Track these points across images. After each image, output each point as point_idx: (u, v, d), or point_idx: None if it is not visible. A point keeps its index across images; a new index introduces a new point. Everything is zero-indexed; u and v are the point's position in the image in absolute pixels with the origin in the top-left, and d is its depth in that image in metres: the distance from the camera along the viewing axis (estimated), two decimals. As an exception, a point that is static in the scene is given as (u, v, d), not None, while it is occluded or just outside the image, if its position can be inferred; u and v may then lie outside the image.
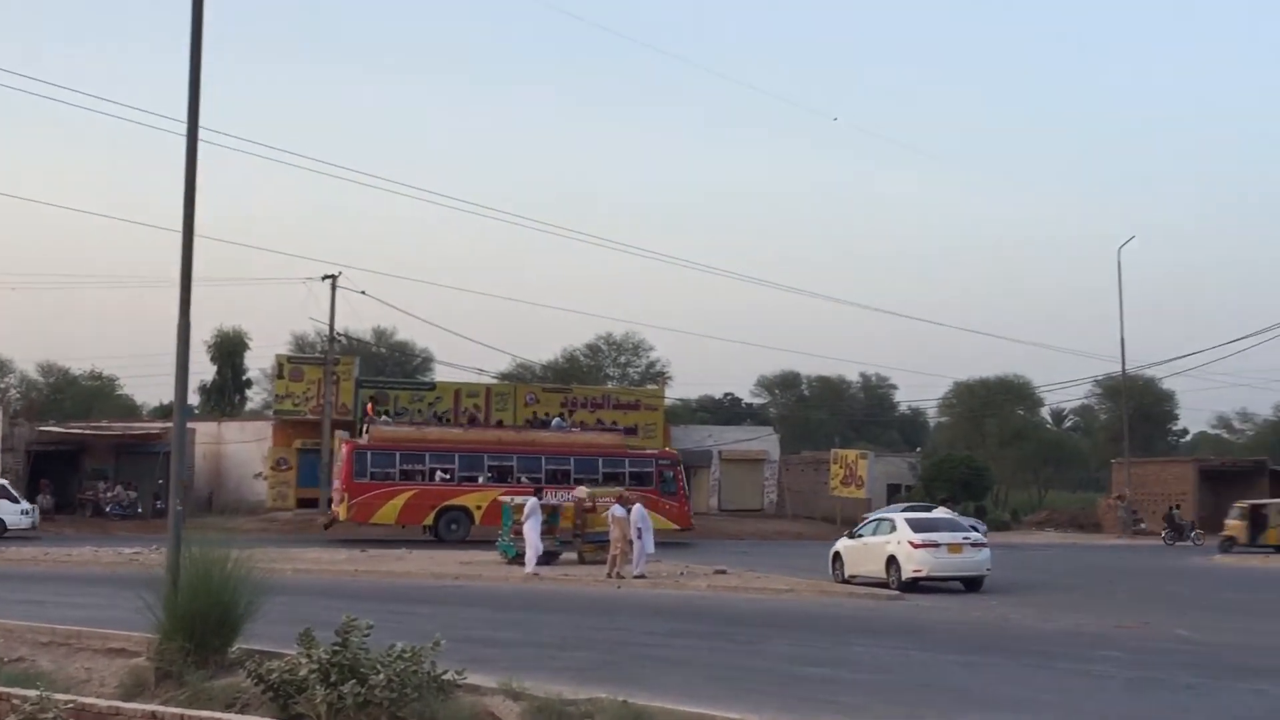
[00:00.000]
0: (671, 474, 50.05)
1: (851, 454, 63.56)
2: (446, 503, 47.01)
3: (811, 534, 57.26)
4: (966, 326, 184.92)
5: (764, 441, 70.85)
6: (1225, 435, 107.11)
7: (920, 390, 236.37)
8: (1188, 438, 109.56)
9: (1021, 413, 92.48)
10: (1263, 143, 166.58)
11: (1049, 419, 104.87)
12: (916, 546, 30.69)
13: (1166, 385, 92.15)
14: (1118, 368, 73.42)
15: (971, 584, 30.90)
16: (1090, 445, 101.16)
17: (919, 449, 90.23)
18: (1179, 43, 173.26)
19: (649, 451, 52.72)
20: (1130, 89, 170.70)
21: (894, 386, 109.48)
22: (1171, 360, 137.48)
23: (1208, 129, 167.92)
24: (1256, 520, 50.63)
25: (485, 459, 48.38)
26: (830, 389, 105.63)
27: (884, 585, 30.82)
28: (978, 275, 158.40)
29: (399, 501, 46.59)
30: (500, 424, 57.30)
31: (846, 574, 32.48)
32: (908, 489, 68.21)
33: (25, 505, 47.84)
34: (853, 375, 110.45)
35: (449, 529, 47.02)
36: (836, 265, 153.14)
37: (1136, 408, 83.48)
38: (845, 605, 27.55)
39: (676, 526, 48.89)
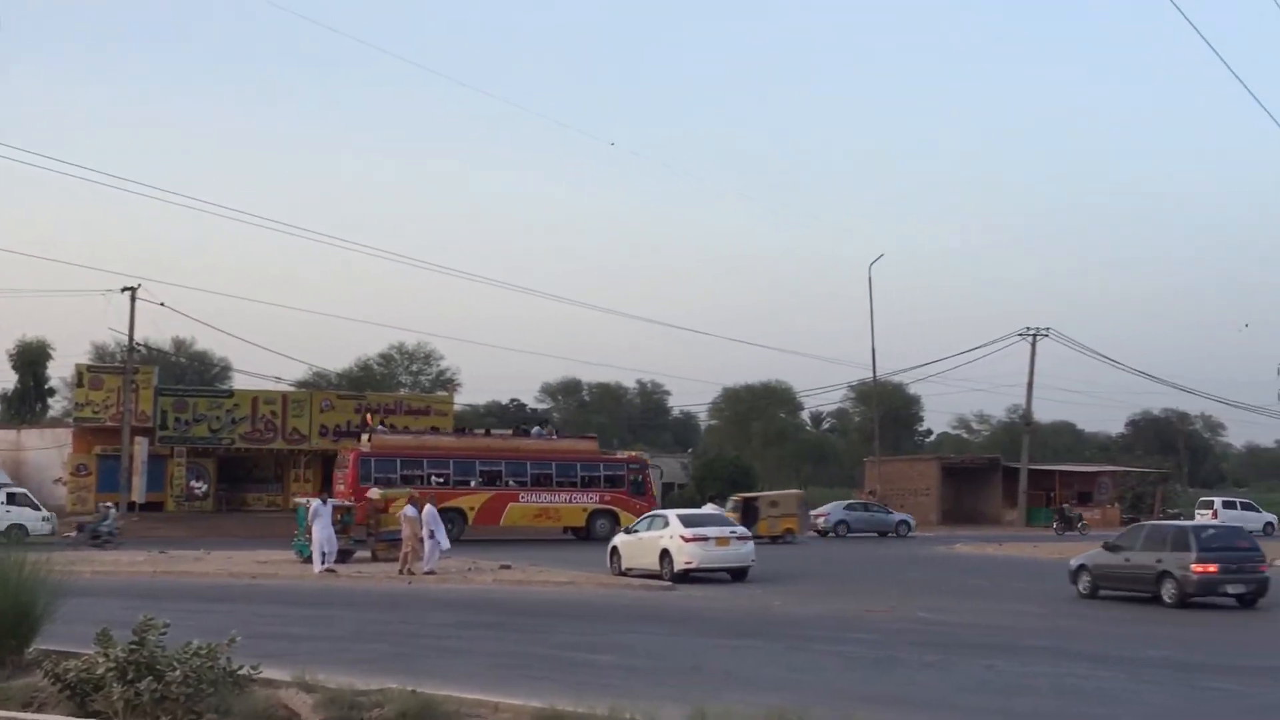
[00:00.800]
0: (640, 477, 51.32)
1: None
2: (443, 505, 45.72)
3: (592, 530, 57.39)
4: (734, 336, 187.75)
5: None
6: (965, 435, 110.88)
7: (692, 395, 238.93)
8: (932, 437, 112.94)
9: (784, 416, 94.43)
10: (998, 171, 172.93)
11: (808, 421, 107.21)
12: (687, 540, 31.03)
13: (913, 390, 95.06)
14: (869, 374, 75.42)
15: (738, 574, 31.37)
16: (845, 445, 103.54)
17: (691, 450, 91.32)
18: (925, 75, 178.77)
19: (620, 456, 54.02)
20: (887, 120, 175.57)
21: (668, 392, 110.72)
22: (917, 367, 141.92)
23: (952, 157, 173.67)
24: (748, 512, 49.12)
25: (477, 464, 49.22)
26: (609, 394, 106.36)
27: (658, 577, 31.08)
28: (745, 289, 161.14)
29: (400, 505, 45.39)
30: (488, 432, 57.33)
31: (624, 567, 32.69)
32: (680, 487, 68.95)
33: None
34: (630, 382, 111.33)
35: (446, 529, 46.36)
36: (617, 280, 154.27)
37: (886, 410, 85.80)
38: (622, 596, 27.73)
39: None
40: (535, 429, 56.30)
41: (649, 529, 32.75)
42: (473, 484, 48.59)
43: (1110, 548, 27.92)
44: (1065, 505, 68.26)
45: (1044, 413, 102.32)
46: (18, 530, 44.47)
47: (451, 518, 45.92)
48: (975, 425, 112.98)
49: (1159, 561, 25.93)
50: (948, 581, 32.35)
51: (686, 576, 30.83)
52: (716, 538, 31.33)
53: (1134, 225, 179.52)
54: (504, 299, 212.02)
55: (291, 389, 67.32)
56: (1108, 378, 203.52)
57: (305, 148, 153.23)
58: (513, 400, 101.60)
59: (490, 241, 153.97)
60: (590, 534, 48.44)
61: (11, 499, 47.22)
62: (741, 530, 32.95)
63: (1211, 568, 25.23)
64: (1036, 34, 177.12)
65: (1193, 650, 18.67)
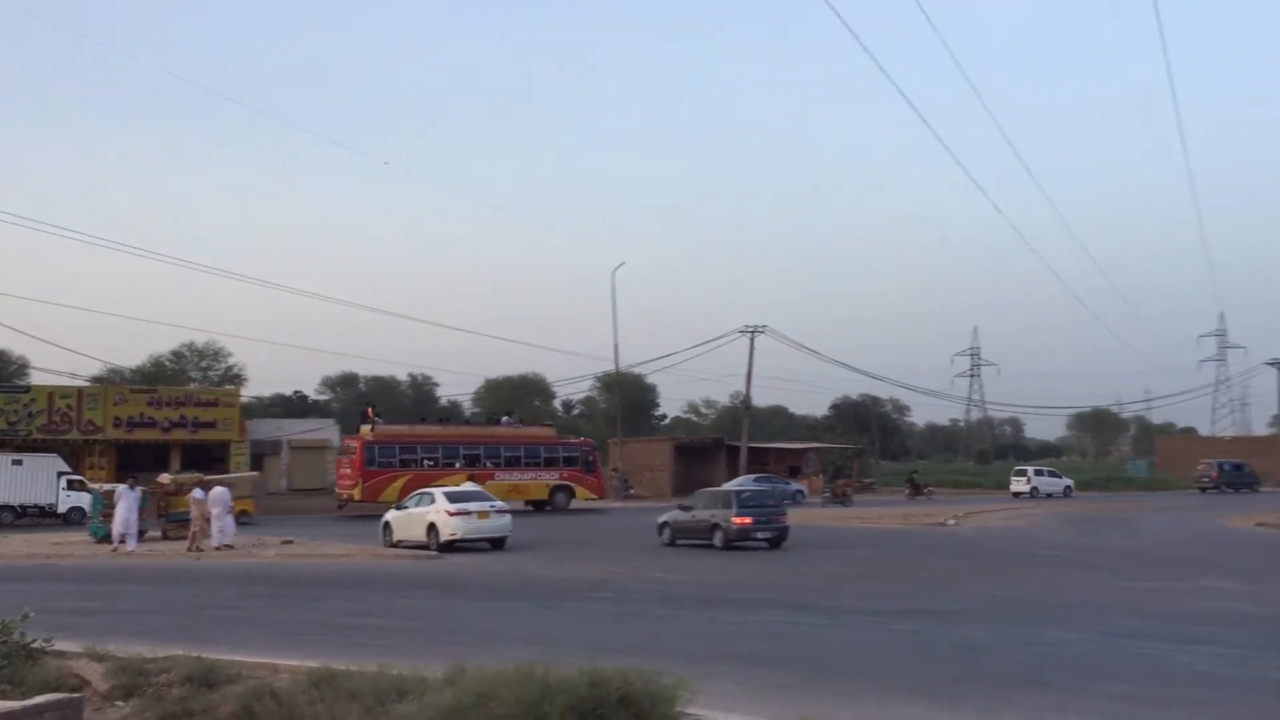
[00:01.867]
0: (591, 458, 54.33)
1: (401, 440, 63.07)
2: (434, 483, 47.11)
3: (370, 509, 56.37)
4: (495, 334, 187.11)
5: (327, 431, 69.44)
6: (694, 419, 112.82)
7: (458, 386, 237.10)
8: (667, 421, 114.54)
9: (539, 404, 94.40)
10: (724, 186, 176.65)
11: (561, 409, 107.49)
12: (452, 514, 30.79)
13: (651, 380, 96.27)
14: (613, 366, 76.08)
15: (497, 544, 31.27)
16: (593, 429, 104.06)
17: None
18: (679, 101, 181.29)
19: (574, 441, 56.66)
20: (629, 136, 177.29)
21: (437, 384, 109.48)
22: (654, 360, 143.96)
23: (685, 173, 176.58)
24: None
25: (460, 449, 51.27)
26: (383, 386, 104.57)
27: (426, 548, 30.79)
28: (507, 291, 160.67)
29: (399, 484, 47.96)
30: (467, 422, 60.07)
31: (395, 540, 32.24)
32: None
33: None
34: (402, 375, 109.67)
35: None
36: (391, 282, 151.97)
37: (627, 398, 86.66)
38: (394, 566, 27.35)
39: (595, 496, 54.06)
40: (504, 418, 57.58)
41: (418, 505, 32.36)
42: (457, 465, 50.32)
43: (684, 508, 32.73)
44: (914, 473, 71.83)
45: (761, 398, 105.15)
46: None
47: None
48: (703, 410, 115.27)
49: (712, 516, 31.00)
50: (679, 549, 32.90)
51: (452, 547, 30.59)
52: (478, 511, 31.18)
53: (839, 233, 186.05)
54: (287, 300, 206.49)
55: (87, 384, 64.25)
56: (814, 368, 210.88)
57: (109, 162, 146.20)
58: (296, 392, 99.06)
59: (275, 248, 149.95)
60: (553, 505, 51.99)
61: None
62: (500, 504, 32.86)
63: (747, 520, 30.52)
64: (751, 52, 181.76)
65: (884, 599, 19.42)
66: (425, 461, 49.96)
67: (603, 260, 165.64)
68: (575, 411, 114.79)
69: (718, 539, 30.57)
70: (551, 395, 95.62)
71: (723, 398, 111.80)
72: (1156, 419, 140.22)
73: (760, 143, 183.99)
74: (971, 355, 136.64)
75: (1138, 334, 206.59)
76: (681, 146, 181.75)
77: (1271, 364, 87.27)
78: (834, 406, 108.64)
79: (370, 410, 55.39)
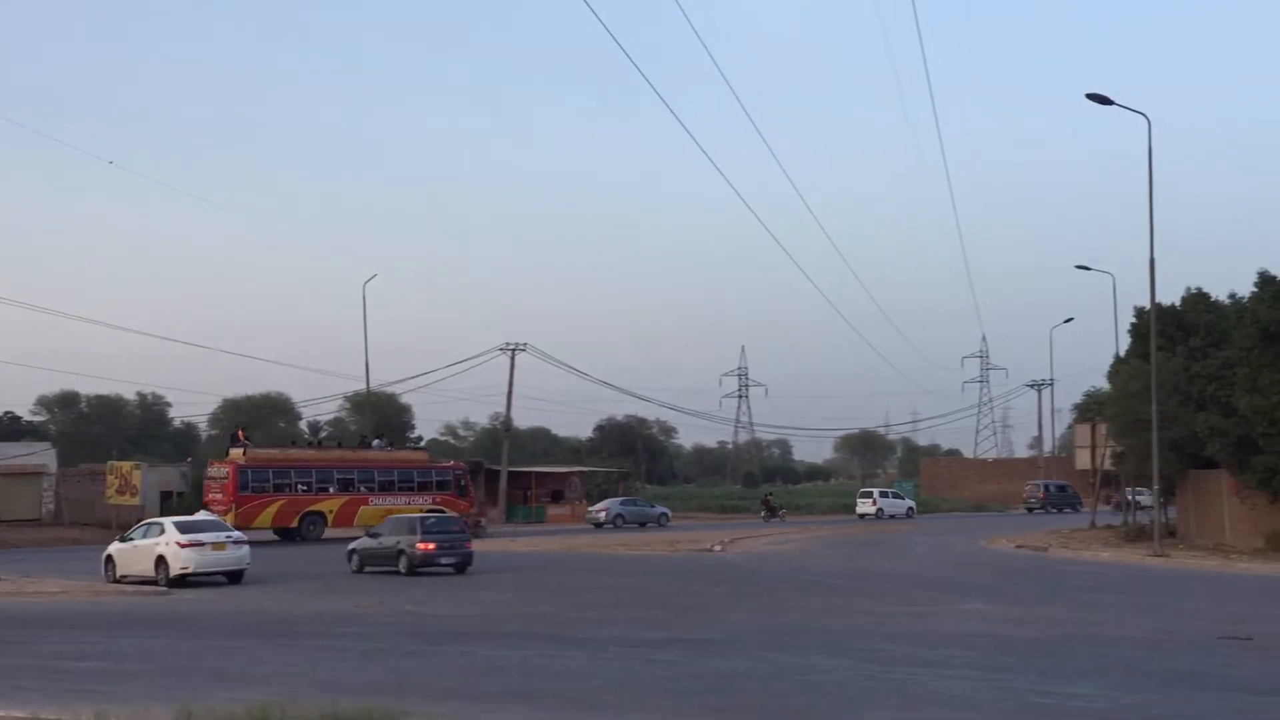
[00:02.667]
0: (463, 481, 55.27)
1: (127, 465, 60.58)
2: (308, 509, 50.38)
3: (89, 540, 53.89)
4: (233, 350, 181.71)
5: (42, 456, 66.02)
6: (453, 441, 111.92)
7: (193, 407, 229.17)
8: (423, 443, 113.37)
9: (283, 425, 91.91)
10: (478, 202, 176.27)
11: (307, 430, 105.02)
12: (184, 546, 29.72)
13: (406, 400, 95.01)
14: (364, 385, 74.78)
15: (234, 577, 30.33)
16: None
17: (190, 459, 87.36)
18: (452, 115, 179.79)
19: (446, 464, 57.72)
20: (380, 146, 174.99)
21: (169, 404, 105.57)
22: (409, 379, 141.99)
23: (440, 184, 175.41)
24: None
25: (334, 473, 51.65)
26: (109, 406, 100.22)
27: (154, 583, 29.62)
28: (246, 304, 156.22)
29: (273, 509, 49.26)
30: (339, 445, 59.69)
31: (119, 574, 30.89)
32: (180, 495, 65.83)
33: None
34: (130, 394, 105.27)
35: (309, 529, 50.05)
36: (115, 294, 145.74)
37: (380, 419, 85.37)
38: (116, 603, 26.21)
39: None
40: (375, 441, 57.24)
41: (145, 536, 31.09)
42: (331, 490, 51.26)
43: (372, 535, 34.30)
44: (770, 494, 75.93)
45: (523, 420, 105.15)
46: None
47: (314, 520, 50.52)
48: (462, 432, 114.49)
49: (398, 542, 32.65)
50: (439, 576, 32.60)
51: (183, 581, 29.52)
52: (213, 543, 30.19)
53: (603, 249, 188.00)
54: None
55: None
56: (579, 387, 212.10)
57: None
58: (6, 413, 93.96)
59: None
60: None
61: None
62: (238, 535, 31.89)
63: (431, 545, 32.34)
64: (512, 56, 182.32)
65: (647, 628, 19.65)
66: (299, 486, 50.72)
67: (354, 273, 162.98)
68: (323, 434, 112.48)
69: (403, 564, 32.32)
70: (297, 415, 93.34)
71: (482, 419, 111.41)
72: (922, 441, 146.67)
73: (523, 154, 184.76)
74: (739, 376, 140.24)
75: (905, 356, 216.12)
76: (440, 156, 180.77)
77: (1031, 386, 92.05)
78: (599, 428, 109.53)
79: (240, 432, 55.33)
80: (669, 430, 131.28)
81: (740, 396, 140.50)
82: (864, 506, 73.18)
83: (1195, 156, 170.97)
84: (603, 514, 64.30)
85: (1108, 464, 50.96)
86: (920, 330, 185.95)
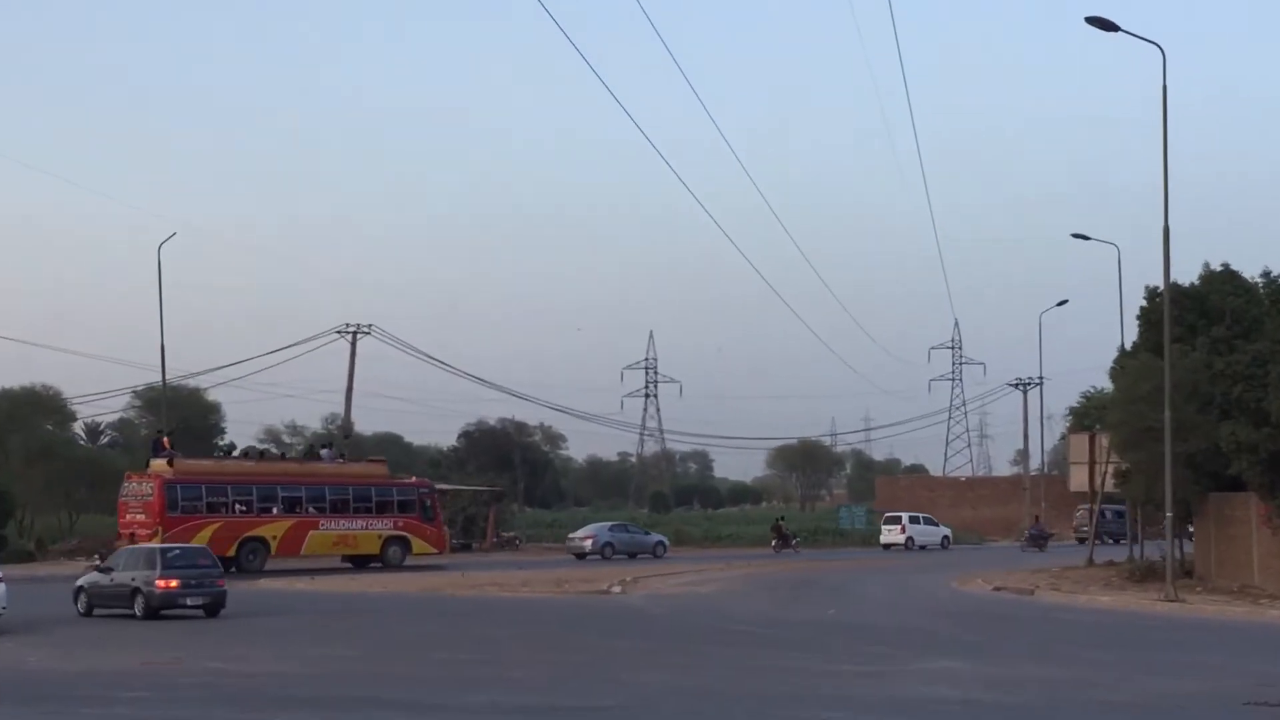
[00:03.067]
0: (430, 501, 57.89)
1: None
2: (247, 534, 52.31)
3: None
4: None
5: None
6: (274, 448, 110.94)
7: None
8: (235, 452, 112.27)
9: (51, 428, 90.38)
10: (305, 154, 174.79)
11: (83, 434, 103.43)
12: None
13: (213, 396, 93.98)
14: (158, 377, 73.55)
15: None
16: (130, 462, 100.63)
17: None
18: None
19: (409, 481, 60.87)
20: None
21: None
22: (217, 369, 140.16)
23: (255, 136, 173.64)
24: None
25: (279, 490, 53.93)
26: None
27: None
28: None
29: (207, 534, 49.45)
30: (283, 456, 63.17)
31: None
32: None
33: None
34: None
35: (249, 559, 52.06)
36: None
37: (180, 420, 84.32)
38: None
39: (434, 550, 57.26)
40: (324, 450, 60.03)
41: None
42: (275, 510, 53.62)
43: (101, 569, 35.13)
44: (782, 519, 78.58)
45: (367, 423, 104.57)
46: None
47: (254, 547, 52.46)
48: (287, 438, 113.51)
49: (133, 579, 33.19)
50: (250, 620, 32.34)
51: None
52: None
53: (472, 210, 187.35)
54: None
55: None
56: (440, 382, 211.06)
57: None
58: None
59: None
60: (384, 561, 54.89)
61: None
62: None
63: (173, 583, 32.77)
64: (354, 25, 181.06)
65: (525, 692, 19.66)
66: (238, 506, 52.99)
67: (147, 234, 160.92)
68: (104, 439, 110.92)
69: (139, 606, 33.01)
70: (70, 416, 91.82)
71: (314, 421, 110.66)
72: (878, 453, 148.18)
73: (376, 91, 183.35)
74: (646, 369, 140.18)
75: (857, 346, 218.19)
76: (276, 99, 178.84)
77: (1015, 386, 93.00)
78: (465, 434, 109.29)
79: (166, 440, 56.42)
80: (556, 438, 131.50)
81: (647, 395, 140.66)
82: (890, 535, 74.87)
83: (1221, 110, 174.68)
84: (589, 543, 65.86)
85: (1109, 484, 51.87)
86: (877, 314, 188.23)
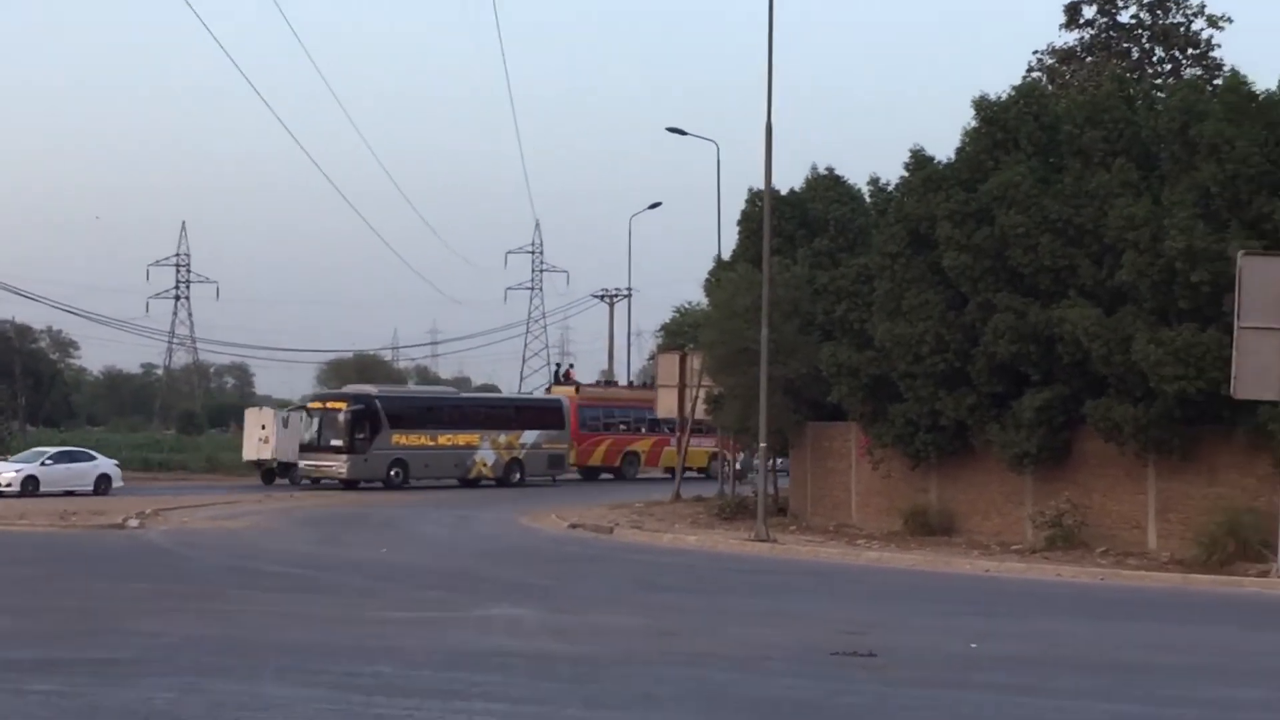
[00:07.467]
0: None
1: None
2: (628, 448, 73.28)
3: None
4: None
5: None
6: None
7: None
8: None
9: None
10: None
11: None
12: None
13: None
14: None
15: None
16: None
17: None
18: None
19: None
20: None
21: None
22: None
23: None
24: None
25: (646, 414, 68.66)
26: None
27: None
28: None
29: (603, 448, 72.93)
30: (646, 385, 77.95)
31: None
32: None
33: None
34: None
35: (628, 469, 73.21)
36: None
37: None
38: None
39: None
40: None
41: None
42: (643, 430, 73.15)
43: None
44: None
45: None
46: None
47: (632, 459, 73.48)
48: None
49: None
50: None
51: None
52: None
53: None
54: None
55: None
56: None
57: None
58: None
59: None
60: (708, 472, 67.08)
61: None
62: None
63: None
64: None
65: (18, 644, 19.01)
66: (621, 425, 73.33)
67: None
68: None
69: None
70: None
71: None
72: (446, 370, 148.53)
73: None
74: (177, 266, 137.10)
75: (423, 245, 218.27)
76: None
77: (600, 297, 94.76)
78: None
79: (571, 370, 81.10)
80: (67, 345, 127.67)
81: (178, 298, 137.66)
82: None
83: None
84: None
85: (700, 410, 53.12)
86: (448, 212, 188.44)
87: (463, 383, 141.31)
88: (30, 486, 57.15)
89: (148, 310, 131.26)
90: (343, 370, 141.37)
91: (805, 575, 32.04)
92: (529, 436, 68.67)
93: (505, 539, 40.82)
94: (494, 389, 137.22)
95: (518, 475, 67.47)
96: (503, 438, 67.77)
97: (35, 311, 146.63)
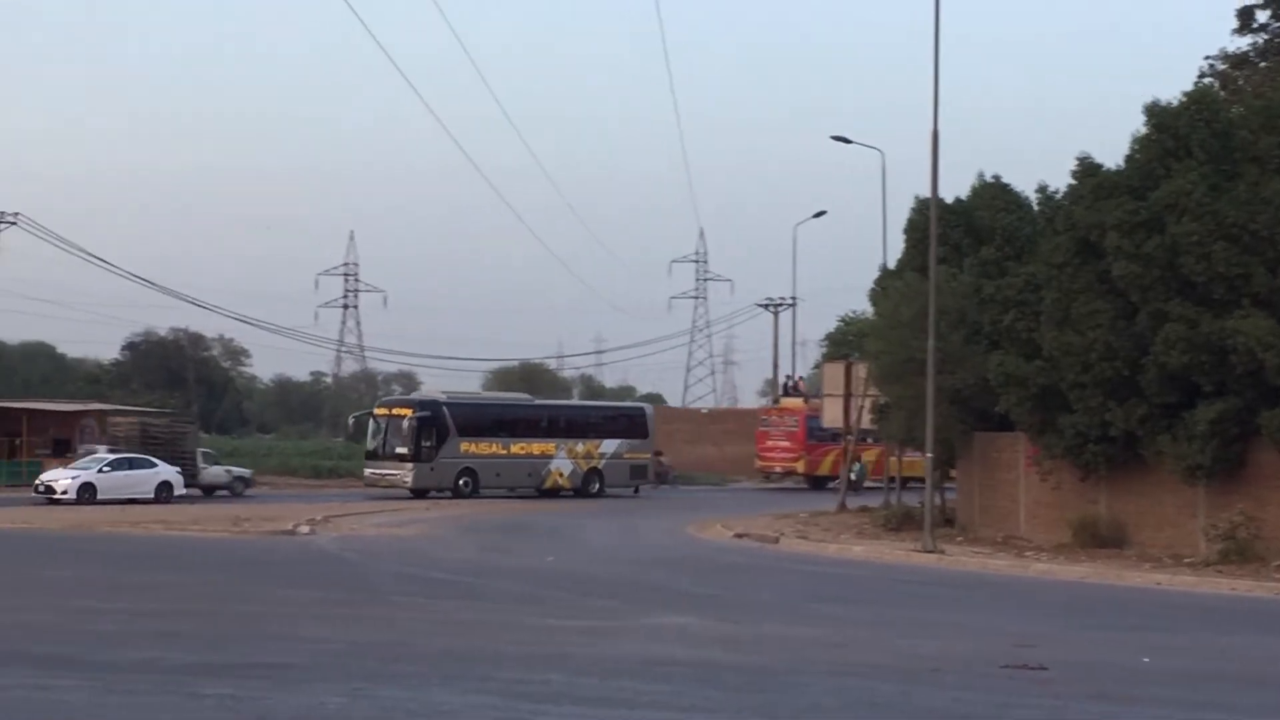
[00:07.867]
0: None
1: None
2: (856, 461, 66.63)
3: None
4: None
5: None
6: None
7: None
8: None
9: None
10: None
11: None
12: None
13: None
14: None
15: None
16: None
17: None
18: None
19: None
20: None
21: None
22: None
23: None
24: None
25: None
26: None
27: None
28: None
29: (830, 458, 73.89)
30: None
31: None
32: None
33: None
34: None
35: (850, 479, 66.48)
36: None
37: None
38: None
39: None
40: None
41: None
42: (870, 440, 65.88)
43: None
44: (661, 457, 75.24)
45: (12, 330, 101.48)
46: None
47: (858, 469, 67.79)
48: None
49: None
50: None
51: None
52: None
53: (144, 87, 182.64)
54: None
55: None
56: (101, 285, 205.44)
57: None
58: None
59: None
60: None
61: None
62: None
63: None
64: None
65: (190, 648, 19.28)
66: (848, 436, 64.37)
67: None
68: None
69: None
70: None
71: None
72: (610, 380, 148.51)
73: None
74: (346, 275, 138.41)
75: (588, 254, 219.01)
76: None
77: (765, 306, 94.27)
78: (130, 346, 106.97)
79: (800, 381, 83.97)
80: (238, 354, 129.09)
81: (346, 306, 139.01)
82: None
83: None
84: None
85: (866, 420, 52.92)
86: (613, 222, 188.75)
87: (626, 392, 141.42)
88: (87, 494, 55.63)
89: (317, 319, 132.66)
90: (508, 379, 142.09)
91: (973, 587, 31.79)
92: (609, 445, 67.63)
93: (670, 548, 40.84)
94: (659, 399, 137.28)
95: (596, 486, 66.54)
96: (580, 447, 66.78)
97: (208, 320, 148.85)
